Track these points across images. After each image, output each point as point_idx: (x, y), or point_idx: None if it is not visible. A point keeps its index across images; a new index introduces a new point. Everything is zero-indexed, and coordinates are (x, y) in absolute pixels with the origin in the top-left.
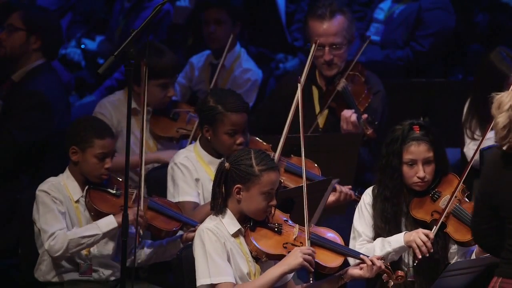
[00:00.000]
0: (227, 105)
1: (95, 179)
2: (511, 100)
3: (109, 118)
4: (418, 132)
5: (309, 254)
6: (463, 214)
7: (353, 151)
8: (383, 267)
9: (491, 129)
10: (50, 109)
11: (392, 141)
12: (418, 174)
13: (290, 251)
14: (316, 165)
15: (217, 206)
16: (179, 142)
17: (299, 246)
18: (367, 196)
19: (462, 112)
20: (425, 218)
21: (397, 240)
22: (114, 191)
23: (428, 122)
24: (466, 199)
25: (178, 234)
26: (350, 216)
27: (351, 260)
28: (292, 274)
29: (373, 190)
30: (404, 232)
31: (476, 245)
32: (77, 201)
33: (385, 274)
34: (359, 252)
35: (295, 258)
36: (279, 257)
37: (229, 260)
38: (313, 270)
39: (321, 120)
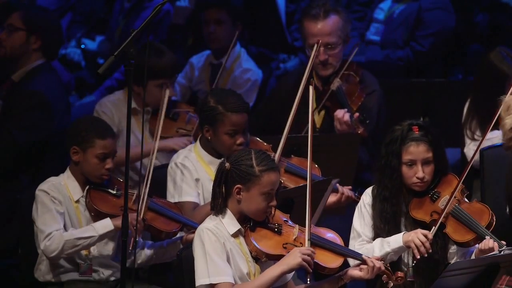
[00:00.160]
0: (228, 105)
1: (95, 179)
2: None
3: (111, 116)
4: (417, 132)
5: (308, 255)
6: (462, 215)
7: (352, 151)
8: (382, 268)
9: (491, 129)
10: (50, 109)
11: (391, 142)
12: (417, 174)
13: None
14: (316, 165)
15: (217, 206)
16: None
17: (299, 246)
18: (367, 196)
19: (462, 112)
20: (425, 218)
21: (396, 241)
22: (115, 192)
23: (427, 123)
24: (466, 200)
25: (178, 235)
26: (350, 216)
27: (351, 261)
28: (291, 274)
29: (372, 190)
30: (403, 233)
31: (476, 245)
32: (77, 201)
33: (384, 275)
34: (358, 253)
35: (294, 258)
36: (278, 258)
37: (228, 260)
38: (311, 270)
39: (318, 120)
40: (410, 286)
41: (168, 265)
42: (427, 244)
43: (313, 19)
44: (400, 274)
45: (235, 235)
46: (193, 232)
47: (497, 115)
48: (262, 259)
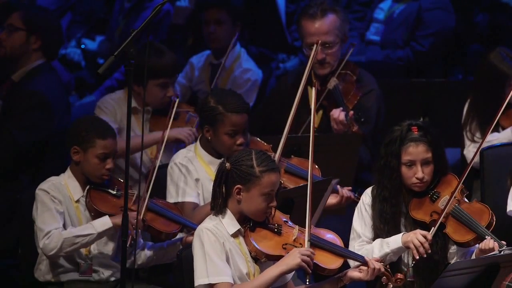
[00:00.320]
0: (228, 105)
1: (96, 179)
2: None
3: (113, 112)
4: (416, 133)
5: (307, 255)
6: (462, 215)
7: (352, 151)
8: (382, 269)
9: (491, 131)
10: (50, 109)
11: (391, 142)
12: (416, 175)
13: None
14: (316, 165)
15: (217, 206)
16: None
17: (298, 247)
18: (366, 196)
19: (462, 112)
20: (424, 218)
21: (395, 241)
22: (115, 192)
23: (426, 123)
24: (466, 200)
25: (178, 236)
26: (350, 217)
27: (351, 262)
28: (291, 275)
29: (372, 191)
30: (402, 233)
31: (476, 246)
32: (78, 201)
33: (384, 277)
34: (358, 254)
35: (293, 258)
36: (278, 258)
37: (228, 261)
38: (310, 271)
39: (316, 120)
40: (410, 286)
41: (168, 265)
42: (426, 245)
43: (311, 18)
44: (399, 275)
45: (234, 235)
46: (193, 234)
47: (497, 116)
48: (261, 260)
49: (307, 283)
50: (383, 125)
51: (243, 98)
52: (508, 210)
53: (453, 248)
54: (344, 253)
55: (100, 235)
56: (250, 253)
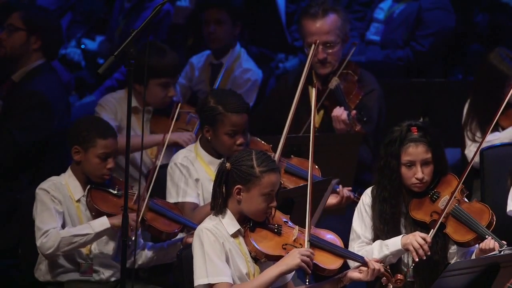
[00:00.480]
0: (228, 105)
1: (97, 179)
2: None
3: (113, 111)
4: (416, 133)
5: (307, 256)
6: (462, 215)
7: (353, 151)
8: (382, 270)
9: (491, 131)
10: (50, 109)
11: (390, 143)
12: (416, 175)
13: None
14: (316, 165)
15: (217, 206)
16: None
17: (298, 247)
18: (366, 197)
19: (462, 112)
20: (425, 218)
21: (395, 244)
22: (116, 192)
23: (426, 123)
24: (466, 200)
25: (178, 236)
26: (350, 217)
27: (351, 263)
28: (291, 275)
29: (372, 191)
30: (401, 235)
31: (476, 246)
32: (78, 201)
33: (384, 277)
34: (358, 255)
35: (293, 258)
36: (278, 258)
37: (227, 261)
38: (310, 271)
39: (317, 120)
40: (410, 286)
41: (168, 266)
42: (426, 247)
43: (312, 18)
44: (399, 276)
45: (234, 235)
46: (193, 234)
47: (497, 116)
48: (261, 260)
49: (307, 283)
50: (383, 125)
51: (243, 98)
52: (508, 210)
53: (453, 248)
54: (344, 254)
55: (98, 235)
56: (250, 253)
